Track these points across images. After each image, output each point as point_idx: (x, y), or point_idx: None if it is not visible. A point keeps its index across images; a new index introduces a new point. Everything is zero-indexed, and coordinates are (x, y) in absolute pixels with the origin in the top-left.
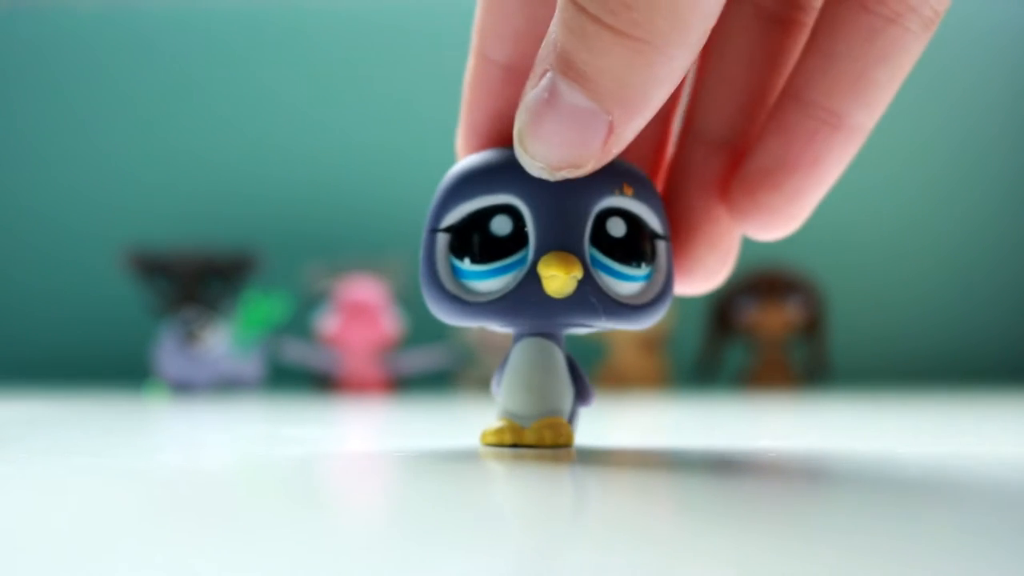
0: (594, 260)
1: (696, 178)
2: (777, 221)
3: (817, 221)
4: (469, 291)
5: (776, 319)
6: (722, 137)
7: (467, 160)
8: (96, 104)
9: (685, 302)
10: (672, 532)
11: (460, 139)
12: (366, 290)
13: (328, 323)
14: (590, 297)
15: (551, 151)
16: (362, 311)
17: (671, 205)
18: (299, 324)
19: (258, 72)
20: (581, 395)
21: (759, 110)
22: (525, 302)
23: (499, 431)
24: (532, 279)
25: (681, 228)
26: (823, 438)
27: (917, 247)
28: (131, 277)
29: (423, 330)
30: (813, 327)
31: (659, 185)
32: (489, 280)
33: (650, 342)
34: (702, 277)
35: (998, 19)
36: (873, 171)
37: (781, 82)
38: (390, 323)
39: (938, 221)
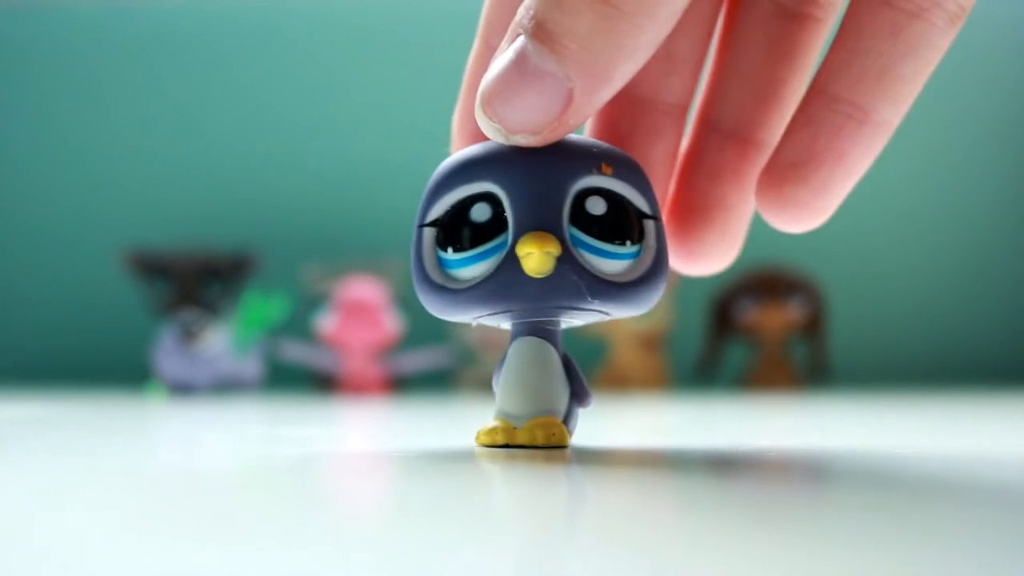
0: (574, 239)
1: (708, 166)
2: (804, 214)
3: None
4: (454, 280)
5: (777, 319)
6: (734, 127)
7: (450, 157)
8: (95, 105)
9: (685, 302)
10: (672, 532)
11: (456, 121)
12: (365, 290)
13: (328, 323)
14: (571, 274)
15: (508, 113)
16: (362, 311)
17: (684, 192)
18: (299, 324)
19: (257, 74)
20: (577, 396)
21: (772, 102)
22: (506, 283)
23: (492, 431)
24: (512, 260)
25: (693, 214)
26: (824, 438)
27: (918, 247)
28: (130, 278)
29: (423, 330)
30: (814, 327)
31: (675, 174)
32: (471, 266)
33: (650, 342)
34: (711, 260)
35: (997, 20)
36: (874, 171)
37: (794, 76)
38: (390, 323)
39: (939, 221)
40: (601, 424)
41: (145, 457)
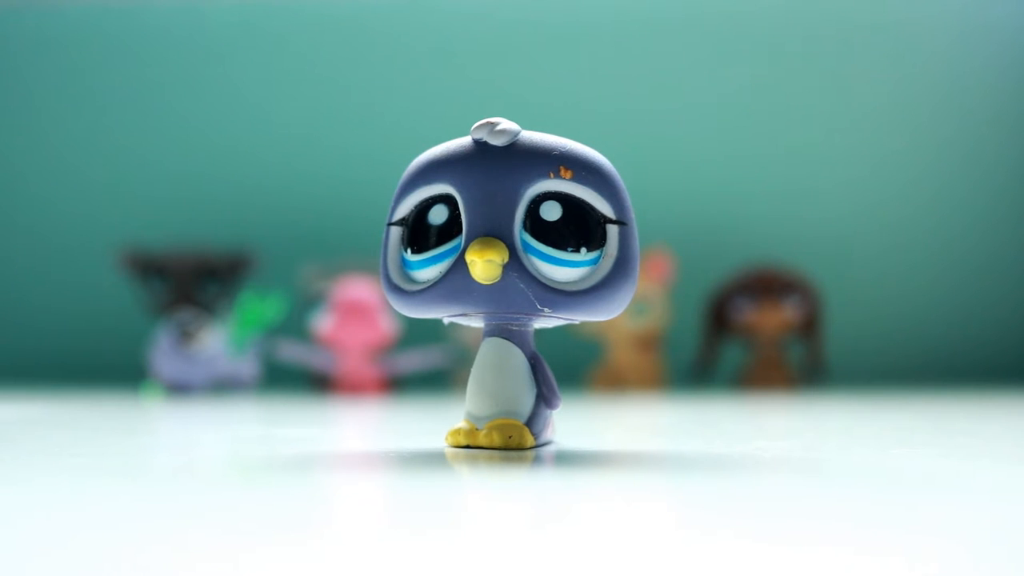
0: (526, 245)
1: None
2: None
3: (814, 222)
4: (412, 281)
5: (773, 319)
6: None
7: (418, 156)
8: (91, 106)
9: (682, 302)
10: (669, 532)
11: None
12: (362, 291)
13: (324, 324)
14: (518, 282)
15: None
16: (358, 311)
17: None
18: (295, 325)
19: (254, 75)
20: (544, 398)
21: None
22: (456, 288)
23: (456, 432)
24: (463, 265)
25: None
26: (820, 438)
27: (914, 248)
28: (127, 278)
29: (419, 330)
30: (810, 327)
31: None
32: (427, 268)
33: (647, 342)
34: None
35: (994, 19)
36: (870, 173)
37: None
38: (386, 323)
39: (935, 222)
40: (598, 423)
41: (142, 456)
